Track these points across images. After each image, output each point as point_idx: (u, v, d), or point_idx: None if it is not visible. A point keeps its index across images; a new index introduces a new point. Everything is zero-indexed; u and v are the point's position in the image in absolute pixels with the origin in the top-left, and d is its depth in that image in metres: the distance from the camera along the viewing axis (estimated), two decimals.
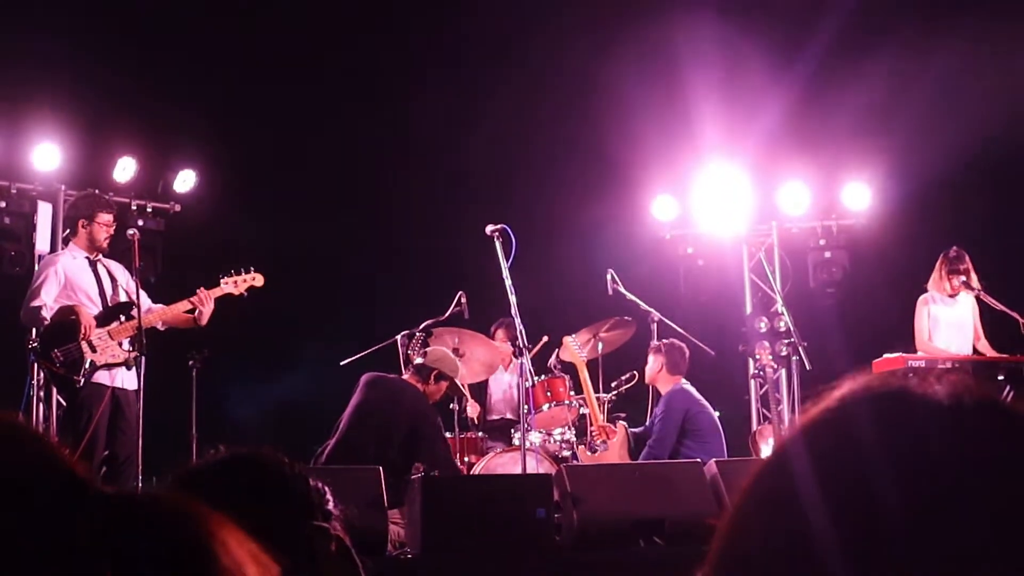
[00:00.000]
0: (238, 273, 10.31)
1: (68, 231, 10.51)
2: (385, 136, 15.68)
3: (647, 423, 11.84)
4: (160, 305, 9.98)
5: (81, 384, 9.32)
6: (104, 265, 10.00)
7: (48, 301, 9.57)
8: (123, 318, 9.62)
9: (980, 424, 1.22)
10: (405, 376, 10.25)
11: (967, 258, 11.93)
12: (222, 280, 10.21)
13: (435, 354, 10.28)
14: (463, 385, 11.20)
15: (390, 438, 9.59)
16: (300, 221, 15.22)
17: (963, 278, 11.77)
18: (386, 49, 16.32)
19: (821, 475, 1.23)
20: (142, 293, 9.74)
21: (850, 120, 14.86)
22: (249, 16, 15.36)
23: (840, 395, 1.31)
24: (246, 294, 10.32)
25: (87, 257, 9.91)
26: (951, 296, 11.90)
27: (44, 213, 12.64)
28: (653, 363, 11.74)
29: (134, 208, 13.52)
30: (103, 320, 9.55)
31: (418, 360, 10.22)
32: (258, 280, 10.36)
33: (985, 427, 1.22)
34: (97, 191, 12.50)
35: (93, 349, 9.36)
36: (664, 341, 11.95)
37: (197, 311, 9.96)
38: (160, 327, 9.94)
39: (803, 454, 1.27)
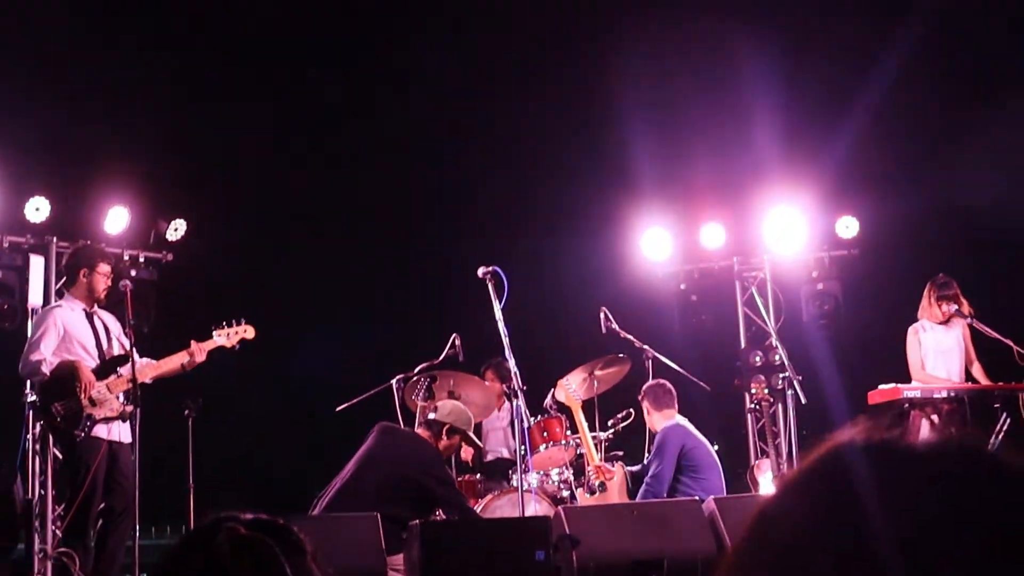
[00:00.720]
0: (230, 325, 10.34)
1: (64, 281, 10.51)
2: (377, 181, 15.71)
3: (644, 461, 11.83)
4: (149, 360, 9.98)
5: (81, 438, 9.32)
6: (99, 317, 10.01)
7: (47, 355, 9.57)
8: (120, 371, 9.63)
9: (965, 473, 1.24)
10: (418, 431, 10.18)
11: (955, 284, 11.94)
12: (215, 332, 10.25)
13: (446, 407, 10.19)
14: (476, 438, 11.17)
15: (392, 491, 9.53)
16: (292, 267, 15.23)
17: (953, 305, 11.78)
18: (378, 92, 16.35)
19: (818, 524, 1.24)
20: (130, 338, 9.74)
21: (841, 151, 14.90)
22: (238, 67, 15.41)
23: (832, 446, 1.33)
24: (238, 347, 10.35)
25: (84, 309, 9.92)
26: (942, 323, 11.89)
27: (36, 266, 12.62)
28: (644, 411, 11.78)
29: (127, 258, 13.50)
30: (100, 373, 9.56)
31: (431, 415, 10.12)
32: (249, 332, 10.39)
33: (970, 476, 1.24)
34: (90, 242, 12.53)
35: (93, 403, 9.37)
36: (644, 387, 11.97)
37: (188, 362, 10.01)
38: (149, 381, 9.94)
39: (800, 502, 1.29)
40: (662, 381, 11.98)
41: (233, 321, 10.40)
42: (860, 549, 1.20)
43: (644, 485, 11.22)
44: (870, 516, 1.21)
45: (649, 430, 11.91)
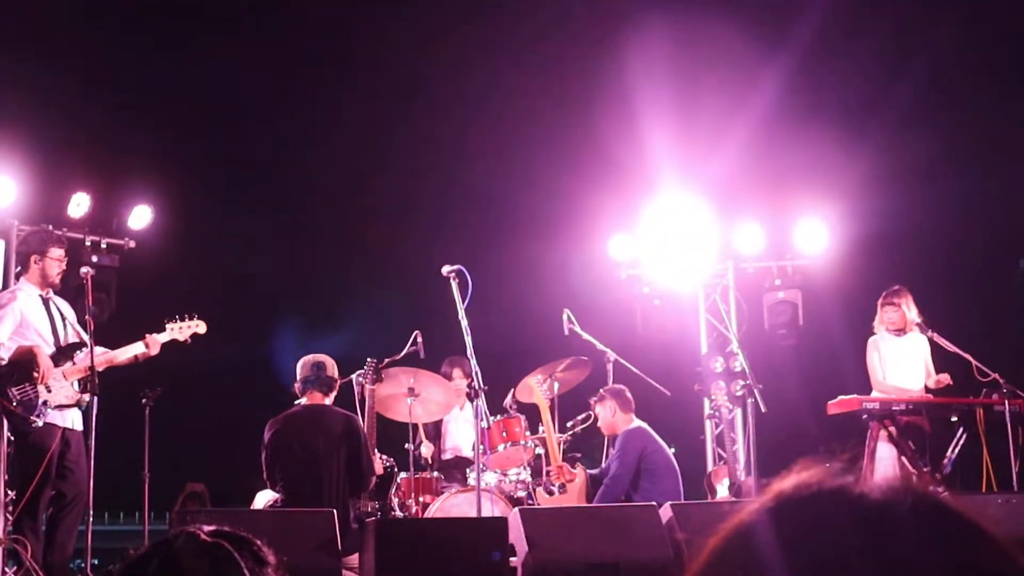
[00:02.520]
0: (183, 319, 10.31)
1: (20, 268, 10.42)
2: (341, 173, 15.67)
3: (603, 464, 11.84)
4: (104, 349, 9.91)
5: (37, 425, 9.25)
6: (55, 303, 9.93)
7: (4, 339, 9.49)
8: (75, 358, 9.56)
9: (923, 524, 1.24)
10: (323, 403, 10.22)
11: (904, 292, 11.98)
12: (167, 325, 10.23)
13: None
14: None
15: (351, 468, 9.68)
16: (255, 258, 15.17)
17: (896, 310, 11.84)
18: (344, 86, 16.31)
19: (789, 557, 1.23)
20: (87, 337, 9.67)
21: (806, 159, 14.95)
22: (205, 51, 15.33)
23: (802, 482, 1.33)
24: (190, 340, 10.33)
25: (40, 295, 9.84)
26: (896, 332, 11.93)
27: None
28: (605, 412, 11.78)
29: (88, 244, 13.41)
30: (56, 360, 9.48)
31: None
32: (201, 327, 10.40)
33: (926, 527, 1.24)
34: (51, 227, 12.43)
35: (48, 390, 9.30)
36: (604, 389, 11.99)
37: (142, 353, 9.98)
38: (100, 370, 9.87)
39: (770, 533, 1.28)
40: (619, 386, 12.02)
41: (186, 315, 10.38)
42: None
43: (603, 486, 11.25)
44: (828, 564, 1.21)
45: (606, 432, 11.92)
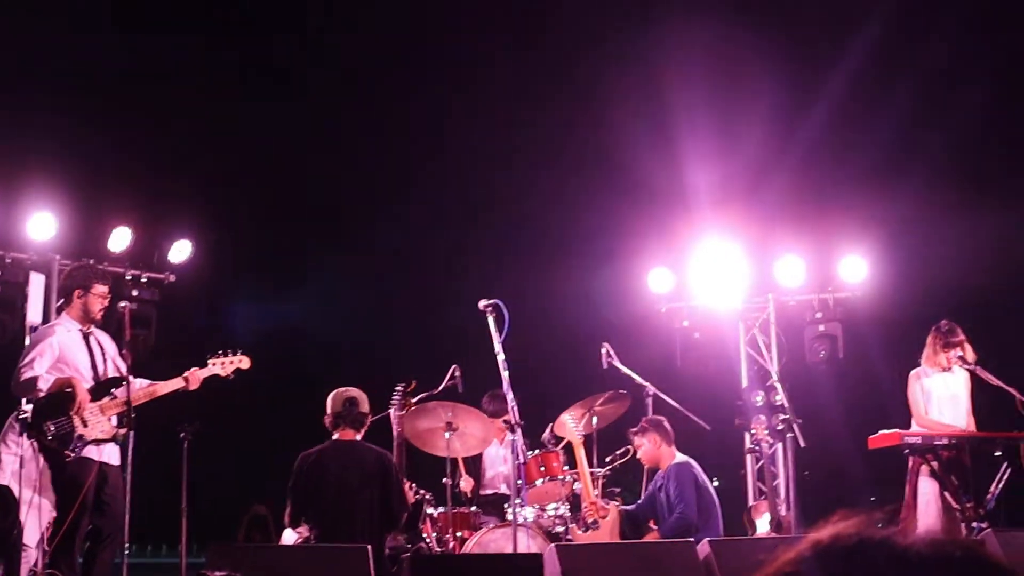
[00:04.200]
0: (225, 354, 10.26)
1: (62, 301, 10.44)
2: (380, 209, 15.69)
3: (639, 500, 11.76)
4: (146, 381, 9.91)
5: (71, 459, 9.24)
6: (95, 337, 9.94)
7: (42, 372, 9.49)
8: (114, 393, 9.55)
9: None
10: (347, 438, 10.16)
11: (960, 331, 11.81)
12: (210, 361, 10.16)
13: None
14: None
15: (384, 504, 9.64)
16: (295, 292, 15.19)
17: (958, 351, 11.66)
18: (383, 122, 16.35)
19: None
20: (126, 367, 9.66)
21: (847, 193, 14.89)
22: (245, 88, 15.42)
23: (842, 533, 1.30)
24: (232, 376, 10.28)
25: (80, 329, 9.85)
26: (945, 370, 11.77)
27: (36, 283, 12.60)
28: (649, 444, 11.65)
29: (129, 278, 13.50)
30: (95, 394, 9.47)
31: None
32: (244, 363, 10.31)
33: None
34: (92, 262, 12.50)
35: (84, 424, 9.29)
36: (646, 419, 11.87)
37: (183, 388, 9.95)
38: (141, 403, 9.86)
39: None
40: (660, 417, 11.93)
41: (229, 351, 10.32)
42: None
43: (674, 518, 11.11)
44: None
45: (647, 464, 11.81)
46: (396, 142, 16.27)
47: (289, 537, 9.87)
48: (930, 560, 1.22)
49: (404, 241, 16.13)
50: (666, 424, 11.77)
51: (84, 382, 9.56)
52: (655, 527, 11.49)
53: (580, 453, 11.26)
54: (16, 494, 9.69)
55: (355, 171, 16.47)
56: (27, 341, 11.39)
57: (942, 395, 11.74)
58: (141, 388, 9.68)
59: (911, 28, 15.44)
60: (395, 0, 16.62)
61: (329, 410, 10.07)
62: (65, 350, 9.67)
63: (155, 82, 15.25)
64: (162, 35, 15.53)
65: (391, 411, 10.90)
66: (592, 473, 11.41)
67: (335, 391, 10.22)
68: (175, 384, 9.89)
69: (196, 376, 10.00)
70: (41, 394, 9.40)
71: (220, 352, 10.28)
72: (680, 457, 11.58)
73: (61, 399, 9.32)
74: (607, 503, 11.21)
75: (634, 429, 11.77)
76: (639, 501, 11.78)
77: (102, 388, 9.58)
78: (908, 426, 11.64)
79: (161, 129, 15.02)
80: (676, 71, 15.17)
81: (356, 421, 9.97)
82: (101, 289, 10.01)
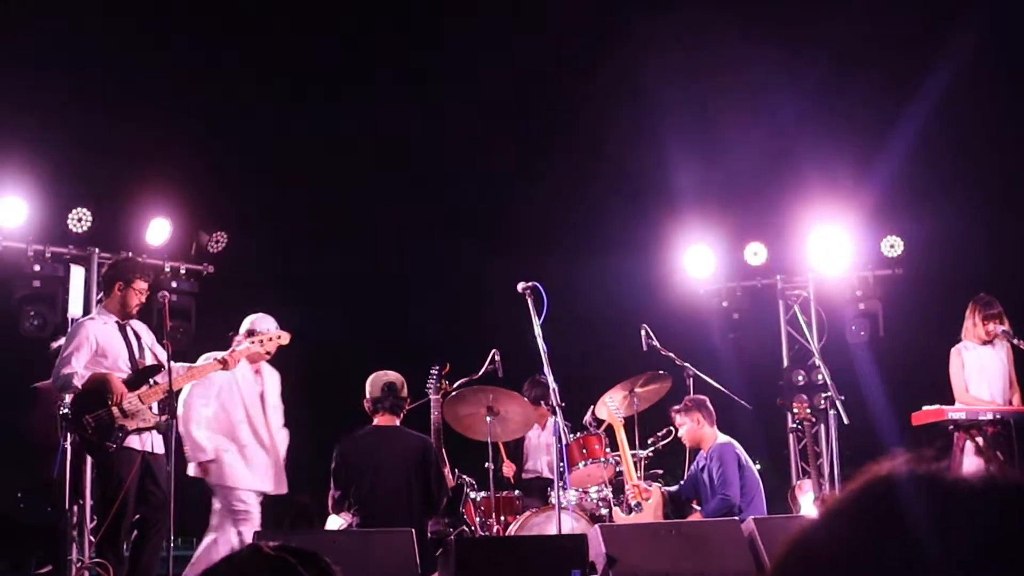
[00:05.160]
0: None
1: (102, 293, 10.48)
2: (418, 195, 15.70)
3: (682, 482, 11.72)
4: (186, 365, 9.92)
5: (113, 449, 9.28)
6: (132, 328, 9.96)
7: (79, 368, 9.51)
8: (152, 381, 9.56)
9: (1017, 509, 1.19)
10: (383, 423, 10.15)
11: (997, 303, 11.73)
12: (248, 340, 10.16)
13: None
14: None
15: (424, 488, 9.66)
16: (332, 282, 15.21)
17: (999, 324, 11.58)
18: (416, 106, 16.35)
19: (865, 550, 1.20)
20: (166, 356, 9.66)
21: (887, 170, 14.78)
22: (282, 81, 15.45)
23: (879, 473, 1.28)
24: (271, 353, 10.27)
25: (117, 321, 9.87)
26: (986, 343, 11.67)
27: (77, 276, 12.67)
28: (692, 423, 11.55)
29: (167, 270, 13.56)
30: (133, 384, 9.49)
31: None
32: (284, 338, 10.28)
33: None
34: (131, 255, 12.56)
35: (124, 414, 9.32)
36: (689, 398, 11.79)
37: (224, 368, 9.93)
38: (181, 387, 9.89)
39: (847, 526, 1.26)
40: (703, 396, 11.86)
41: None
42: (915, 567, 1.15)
43: (717, 499, 11.05)
44: (919, 546, 1.17)
45: (689, 444, 11.74)
46: (430, 125, 16.28)
47: (334, 523, 9.88)
48: (976, 489, 1.21)
49: (441, 226, 16.16)
50: (708, 404, 11.70)
51: (122, 373, 9.59)
52: (698, 508, 11.46)
53: (621, 435, 11.24)
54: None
55: (388, 159, 16.51)
56: None
57: (983, 369, 11.65)
58: (180, 374, 9.68)
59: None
60: None
61: (368, 395, 10.07)
62: (103, 342, 9.70)
63: (191, 74, 15.28)
64: (197, 25, 15.59)
65: (429, 395, 10.90)
66: (634, 455, 11.39)
67: (373, 375, 10.21)
68: (214, 366, 9.88)
69: (235, 356, 9.99)
70: (78, 390, 9.43)
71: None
72: (722, 437, 11.52)
73: (97, 393, 9.34)
74: (649, 485, 11.18)
75: (677, 407, 11.69)
76: (681, 483, 11.74)
77: (140, 377, 9.59)
78: (951, 403, 11.56)
79: (199, 122, 15.07)
80: (706, 53, 15.16)
81: (395, 406, 9.95)
82: (142, 285, 10.03)
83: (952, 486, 1.23)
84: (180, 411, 10.04)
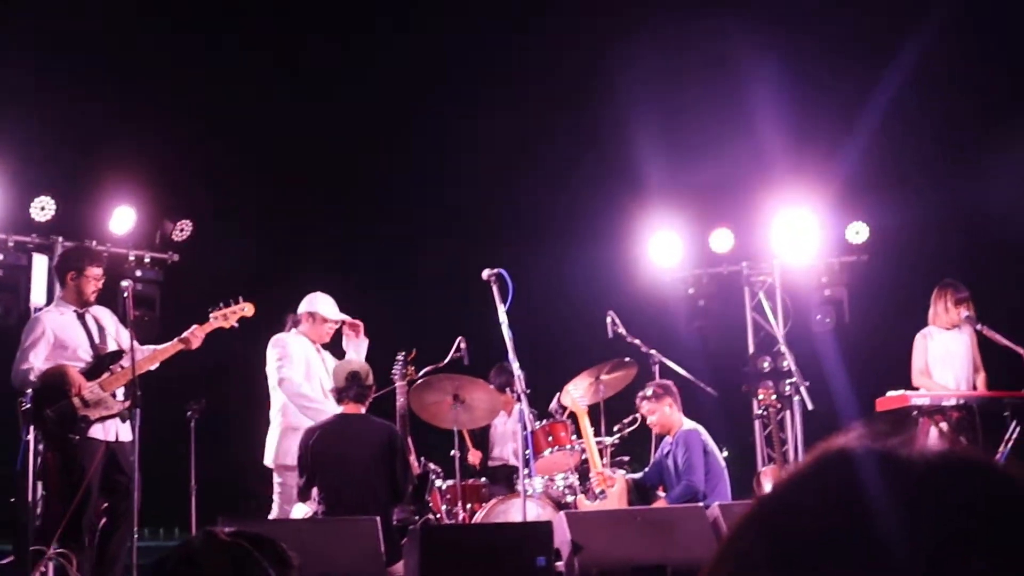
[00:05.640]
0: (227, 305, 10.19)
1: (57, 284, 10.42)
2: (382, 180, 15.67)
3: (647, 469, 11.73)
4: (151, 347, 9.86)
5: (76, 440, 9.23)
6: (93, 315, 9.89)
7: (37, 363, 9.45)
8: (112, 368, 9.50)
9: (972, 488, 1.19)
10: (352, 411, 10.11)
11: (964, 288, 11.78)
12: (211, 315, 10.09)
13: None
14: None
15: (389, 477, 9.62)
16: (298, 271, 15.17)
17: (965, 309, 11.63)
18: (382, 96, 16.32)
19: (827, 519, 1.19)
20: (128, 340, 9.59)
21: (851, 156, 14.83)
22: (248, 70, 15.39)
23: (837, 447, 1.29)
24: (236, 325, 10.21)
25: (75, 310, 9.80)
26: (952, 328, 11.72)
27: (40, 265, 12.59)
28: (661, 408, 11.55)
29: (131, 259, 13.48)
30: (92, 372, 9.44)
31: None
32: (248, 310, 10.21)
33: (977, 492, 1.19)
34: (95, 243, 12.51)
35: (86, 404, 9.27)
36: (657, 384, 11.79)
37: (185, 347, 9.88)
38: (151, 368, 9.82)
39: (808, 496, 1.24)
40: (670, 382, 11.87)
41: (231, 300, 10.25)
42: (870, 549, 1.14)
43: (682, 486, 11.06)
44: (880, 518, 1.16)
45: (658, 431, 11.74)
46: (395, 113, 16.26)
47: (300, 511, 9.85)
48: (937, 468, 1.21)
49: (406, 214, 16.14)
50: (675, 388, 11.72)
51: (82, 363, 9.53)
52: (663, 495, 11.48)
53: (584, 422, 11.24)
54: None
55: (362, 153, 16.47)
56: None
57: (948, 354, 11.70)
58: (143, 357, 9.62)
59: None
60: None
61: (333, 384, 10.03)
62: (60, 333, 9.63)
63: (157, 63, 15.23)
64: (163, 11, 15.52)
65: (395, 380, 10.88)
66: (600, 442, 11.40)
67: (338, 363, 10.19)
68: (177, 346, 9.83)
69: (197, 334, 9.93)
70: (36, 385, 9.38)
71: (221, 304, 10.21)
72: (688, 423, 11.54)
73: (55, 385, 9.29)
74: (614, 472, 11.19)
75: (645, 394, 11.67)
76: (646, 469, 11.75)
77: (100, 365, 9.54)
78: (914, 388, 11.61)
79: (163, 109, 15.01)
80: (672, 36, 15.15)
81: (359, 395, 9.89)
82: (95, 271, 9.94)
83: (907, 463, 1.23)
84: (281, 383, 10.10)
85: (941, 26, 14.41)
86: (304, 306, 10.90)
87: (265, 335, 10.81)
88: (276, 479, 10.52)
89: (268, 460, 10.56)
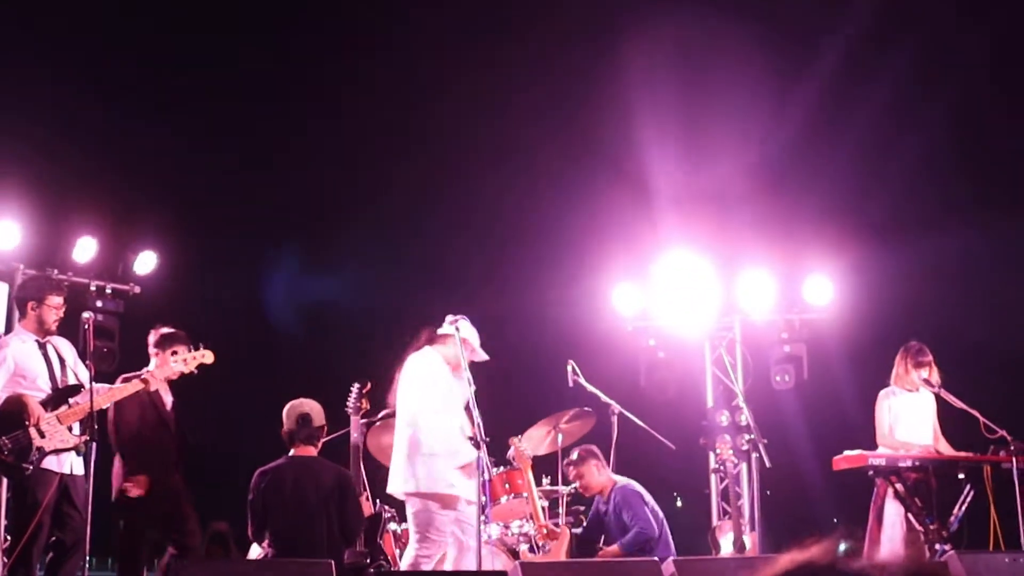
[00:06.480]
0: (188, 350, 10.14)
1: (18, 313, 10.34)
2: (345, 222, 15.66)
3: (584, 524, 11.73)
4: (107, 386, 9.78)
5: (30, 471, 9.13)
6: (53, 346, 9.82)
7: None
8: (71, 402, 9.42)
9: None
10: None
11: (928, 351, 11.85)
12: (172, 360, 10.04)
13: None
14: None
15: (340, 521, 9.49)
16: (259, 311, 15.13)
17: (927, 371, 11.69)
18: (349, 136, 16.34)
19: None
20: (88, 376, 9.52)
21: (814, 213, 14.93)
22: (213, 99, 15.37)
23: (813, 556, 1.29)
24: (196, 371, 10.14)
25: (36, 340, 9.73)
26: (914, 391, 11.78)
27: (1, 292, 12.50)
28: (591, 471, 11.61)
29: (93, 289, 13.41)
30: (51, 404, 9.36)
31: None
32: (208, 357, 10.14)
33: None
34: (47, 272, 12.43)
35: (42, 435, 9.18)
36: (581, 448, 11.82)
37: (144, 389, 9.80)
38: (105, 406, 9.74)
39: None
40: (592, 445, 11.91)
41: (192, 347, 10.21)
42: None
43: (633, 534, 11.08)
44: None
45: (589, 493, 11.73)
46: (363, 157, 16.27)
47: (256, 552, 9.76)
48: None
49: (368, 259, 16.12)
50: (597, 450, 11.78)
51: (41, 393, 9.45)
52: (603, 547, 11.49)
53: (528, 475, 11.14)
54: None
55: (320, 185, 16.47)
56: None
57: (910, 415, 11.76)
58: (101, 394, 9.54)
59: (881, 38, 15.47)
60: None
61: (284, 425, 9.90)
62: (20, 362, 9.55)
63: (122, 93, 15.19)
64: (127, 44, 15.50)
65: (350, 416, 10.77)
66: (556, 491, 11.38)
67: (289, 404, 10.02)
68: (137, 386, 9.75)
69: (154, 376, 9.88)
70: None
71: (184, 347, 10.17)
72: (621, 479, 11.61)
73: (13, 414, 9.19)
74: (556, 525, 11.13)
75: (571, 459, 11.72)
76: (584, 525, 11.76)
77: (59, 397, 9.45)
78: (873, 447, 11.65)
79: (129, 139, 14.96)
80: (643, 87, 15.21)
81: (310, 437, 9.73)
82: (55, 300, 9.86)
83: None
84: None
85: (905, 75, 14.55)
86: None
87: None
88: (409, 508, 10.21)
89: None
